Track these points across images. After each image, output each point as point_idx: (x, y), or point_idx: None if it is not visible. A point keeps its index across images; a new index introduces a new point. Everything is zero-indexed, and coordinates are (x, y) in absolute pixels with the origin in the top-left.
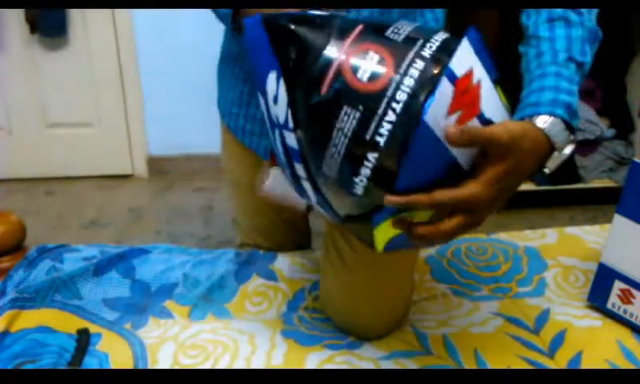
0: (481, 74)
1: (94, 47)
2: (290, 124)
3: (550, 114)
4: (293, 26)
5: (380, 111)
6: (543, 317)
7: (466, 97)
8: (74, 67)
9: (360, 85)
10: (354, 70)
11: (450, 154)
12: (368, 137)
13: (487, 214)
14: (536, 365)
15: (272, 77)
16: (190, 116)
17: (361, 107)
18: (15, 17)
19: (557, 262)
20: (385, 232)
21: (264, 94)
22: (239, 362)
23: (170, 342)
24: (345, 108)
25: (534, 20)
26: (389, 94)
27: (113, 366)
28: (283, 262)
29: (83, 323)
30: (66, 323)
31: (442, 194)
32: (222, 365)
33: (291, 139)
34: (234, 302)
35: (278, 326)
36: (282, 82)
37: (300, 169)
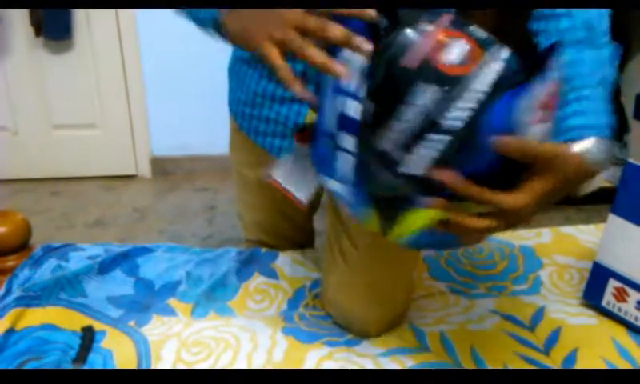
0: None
1: (98, 49)
2: (360, 92)
3: (596, 136)
4: None
5: (461, 96)
6: (539, 314)
7: (548, 104)
8: (78, 69)
9: (447, 67)
10: (444, 51)
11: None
12: (442, 118)
13: (518, 223)
14: (532, 362)
15: None
16: (193, 117)
17: (445, 88)
18: (20, 20)
19: (552, 260)
20: (420, 219)
21: (337, 56)
22: (240, 359)
23: (174, 339)
24: (427, 85)
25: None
26: (471, 81)
27: (117, 363)
28: (284, 261)
29: (88, 321)
30: (71, 321)
31: (492, 195)
32: (224, 361)
33: (354, 109)
34: (235, 299)
35: (278, 323)
36: None
37: (349, 141)
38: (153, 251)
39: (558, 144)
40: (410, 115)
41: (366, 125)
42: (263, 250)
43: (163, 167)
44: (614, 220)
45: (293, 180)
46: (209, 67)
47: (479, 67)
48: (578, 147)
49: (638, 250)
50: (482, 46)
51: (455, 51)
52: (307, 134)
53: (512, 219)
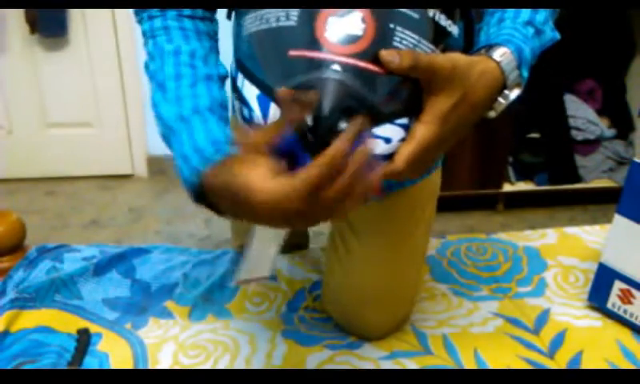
0: None
1: (94, 47)
2: None
3: (505, 46)
4: None
5: None
6: (543, 317)
7: None
8: (74, 67)
9: None
10: None
11: None
12: None
13: (436, 156)
14: (536, 365)
15: None
16: None
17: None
18: (15, 17)
19: (557, 262)
20: None
21: None
22: (239, 363)
23: (171, 342)
24: None
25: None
26: None
27: (113, 366)
28: (283, 262)
29: (83, 323)
30: (66, 323)
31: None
32: (222, 365)
33: None
34: (234, 302)
35: (278, 326)
36: None
37: None
38: (149, 252)
39: (453, 55)
40: None
41: None
42: None
43: (160, 166)
44: (619, 220)
45: (254, 266)
46: None
47: None
48: (490, 55)
49: None
50: None
51: None
52: None
53: (430, 154)
